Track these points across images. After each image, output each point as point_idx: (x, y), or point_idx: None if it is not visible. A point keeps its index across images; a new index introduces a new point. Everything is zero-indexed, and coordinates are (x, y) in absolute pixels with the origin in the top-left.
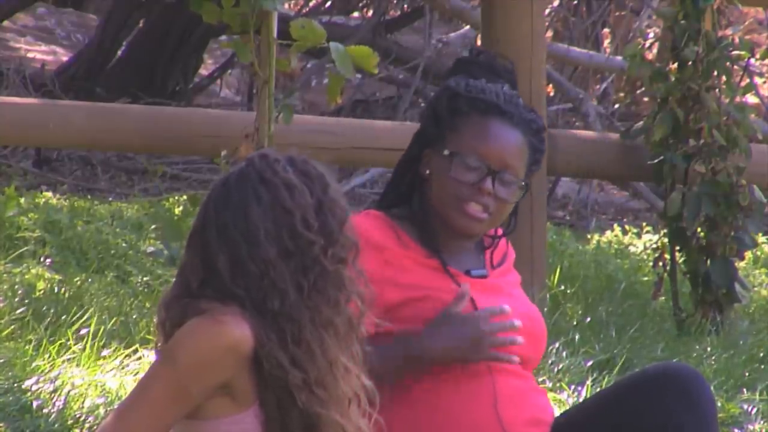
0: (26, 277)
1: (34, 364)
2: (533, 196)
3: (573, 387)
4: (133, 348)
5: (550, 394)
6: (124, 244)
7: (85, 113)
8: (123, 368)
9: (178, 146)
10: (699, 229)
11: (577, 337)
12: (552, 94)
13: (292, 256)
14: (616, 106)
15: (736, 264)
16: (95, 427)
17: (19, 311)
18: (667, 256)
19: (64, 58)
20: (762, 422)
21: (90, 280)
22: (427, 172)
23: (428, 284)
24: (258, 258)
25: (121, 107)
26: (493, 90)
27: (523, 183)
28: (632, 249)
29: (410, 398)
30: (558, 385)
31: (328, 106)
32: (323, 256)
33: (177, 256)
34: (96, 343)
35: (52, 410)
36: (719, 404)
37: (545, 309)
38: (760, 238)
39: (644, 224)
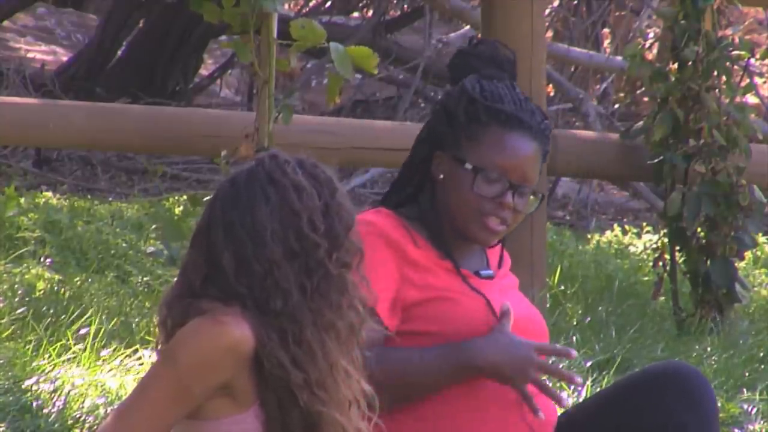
0: (26, 277)
1: (34, 364)
2: None
3: (573, 387)
4: (134, 348)
5: None
6: (124, 244)
7: (85, 113)
8: (123, 368)
9: (178, 146)
10: (699, 229)
11: (577, 337)
12: (552, 94)
13: (297, 258)
14: (616, 106)
15: (736, 264)
16: (95, 427)
17: (19, 311)
18: (667, 256)
19: (64, 58)
20: (762, 422)
21: (90, 280)
22: (441, 176)
23: (443, 285)
24: (263, 257)
25: (121, 107)
26: (510, 97)
27: (540, 195)
28: (632, 249)
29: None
30: (558, 385)
31: (328, 106)
32: (328, 259)
33: (177, 256)
34: (96, 343)
35: (52, 410)
36: (719, 404)
37: (545, 309)
38: (760, 238)
39: (644, 224)
